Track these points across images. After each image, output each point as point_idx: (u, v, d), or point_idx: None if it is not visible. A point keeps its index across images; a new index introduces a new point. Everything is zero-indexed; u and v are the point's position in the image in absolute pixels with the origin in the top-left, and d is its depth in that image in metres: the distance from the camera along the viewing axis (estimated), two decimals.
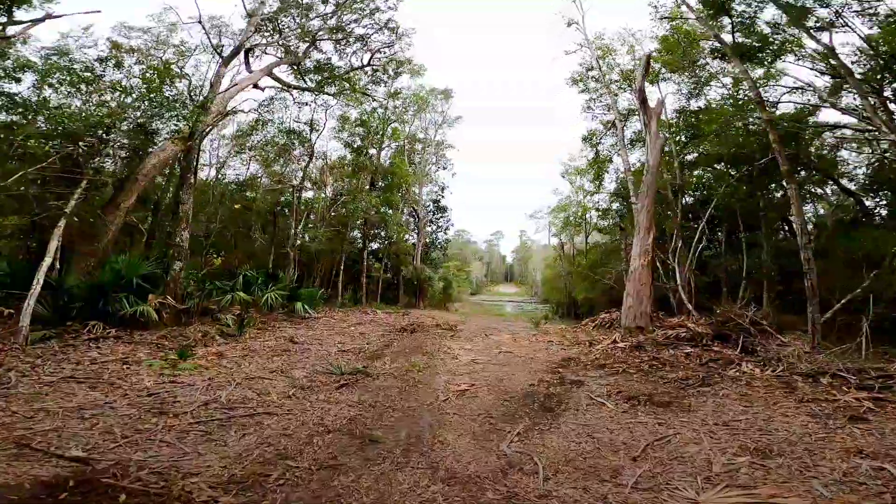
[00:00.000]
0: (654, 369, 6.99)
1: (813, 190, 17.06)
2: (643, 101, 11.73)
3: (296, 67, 20.62)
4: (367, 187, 24.00)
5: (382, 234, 29.15)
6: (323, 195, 26.15)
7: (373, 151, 26.12)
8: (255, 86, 19.70)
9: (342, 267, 21.06)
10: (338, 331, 11.70)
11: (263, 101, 22.11)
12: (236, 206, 16.48)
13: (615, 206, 20.73)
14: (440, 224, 35.86)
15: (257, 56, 19.83)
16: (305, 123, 22.57)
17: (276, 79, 20.19)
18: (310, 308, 14.33)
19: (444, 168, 34.83)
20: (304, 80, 21.18)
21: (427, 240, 34.52)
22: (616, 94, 17.99)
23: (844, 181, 15.78)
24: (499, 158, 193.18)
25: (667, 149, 17.52)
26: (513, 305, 43.19)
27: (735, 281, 12.65)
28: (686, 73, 17.87)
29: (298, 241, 16.88)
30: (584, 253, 27.70)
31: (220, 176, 23.95)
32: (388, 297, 28.32)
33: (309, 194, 27.74)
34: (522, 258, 75.24)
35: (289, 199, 21.24)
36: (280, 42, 19.62)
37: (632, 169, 14.71)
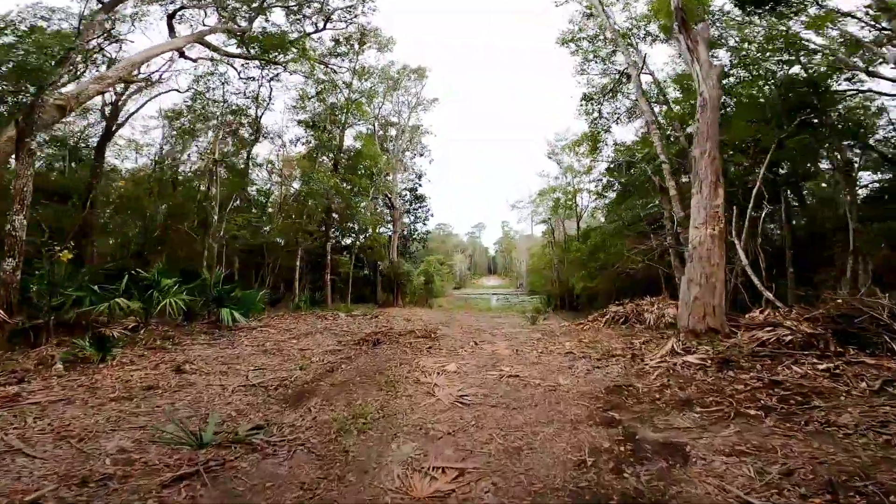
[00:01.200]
0: (791, 404, 3.87)
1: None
2: (683, 22, 8.61)
3: (240, 37, 17.08)
4: (330, 171, 20.41)
5: (356, 226, 25.76)
6: (278, 186, 22.51)
7: (337, 133, 22.46)
8: (183, 55, 16.14)
9: (298, 263, 17.50)
10: (270, 347, 8.29)
11: (201, 75, 18.54)
12: (119, 184, 12.75)
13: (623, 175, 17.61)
14: (418, 215, 32.60)
15: (191, 25, 16.30)
16: (248, 96, 18.88)
17: (210, 46, 16.54)
18: (243, 315, 10.87)
19: (421, 155, 31.55)
20: (250, 51, 17.62)
21: (405, 232, 31.23)
22: (625, 39, 14.73)
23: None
24: (481, 148, 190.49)
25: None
26: (498, 298, 40.31)
27: (806, 256, 9.72)
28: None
29: (222, 232, 13.25)
30: (579, 237, 24.77)
31: (157, 168, 20.15)
32: (363, 296, 25.05)
33: (267, 186, 24.13)
34: (505, 249, 72.39)
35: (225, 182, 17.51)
36: (218, 8, 16.06)
37: (659, 119, 11.61)
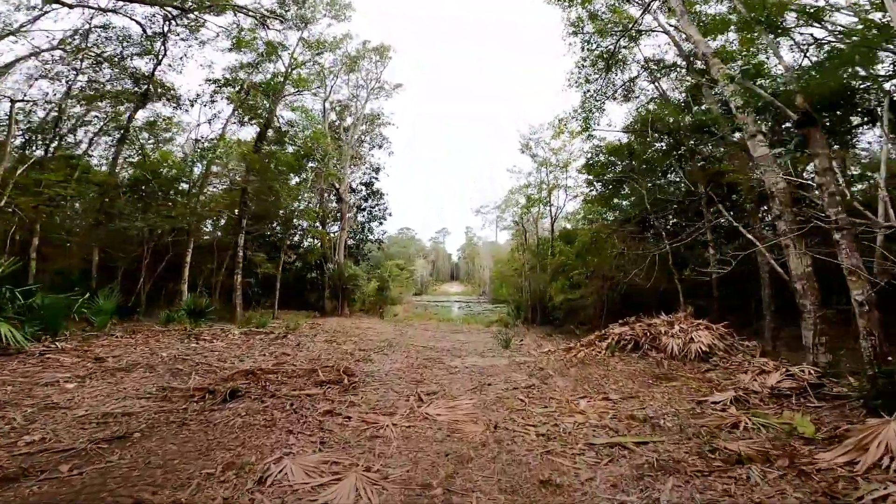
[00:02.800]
0: None
1: None
2: None
3: None
4: (249, 144, 15.87)
5: (301, 223, 21.43)
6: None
7: (264, 102, 17.87)
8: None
9: (189, 260, 12.94)
10: None
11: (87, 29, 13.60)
12: None
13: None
14: (375, 213, 28.24)
15: None
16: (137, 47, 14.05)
17: None
18: (41, 332, 6.52)
19: (380, 146, 27.43)
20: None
21: (357, 231, 27.00)
22: None
23: None
24: (448, 122, 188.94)
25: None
26: (461, 306, 36.77)
27: None
28: None
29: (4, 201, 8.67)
30: (556, 239, 21.49)
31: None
32: (308, 303, 20.73)
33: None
34: (469, 256, 69.32)
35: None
36: None
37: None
